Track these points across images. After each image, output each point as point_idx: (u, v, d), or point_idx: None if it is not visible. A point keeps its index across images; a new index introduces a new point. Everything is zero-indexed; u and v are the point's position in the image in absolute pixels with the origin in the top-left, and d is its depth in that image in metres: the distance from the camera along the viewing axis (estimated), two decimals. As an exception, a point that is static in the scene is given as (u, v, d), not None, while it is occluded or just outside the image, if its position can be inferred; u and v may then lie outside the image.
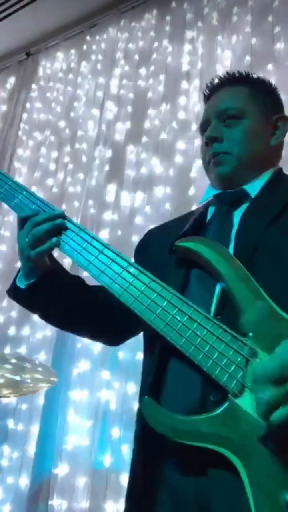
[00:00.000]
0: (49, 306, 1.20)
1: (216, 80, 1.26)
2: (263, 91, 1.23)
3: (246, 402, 0.83)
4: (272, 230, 1.01)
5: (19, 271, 1.19)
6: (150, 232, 1.34)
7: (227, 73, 1.27)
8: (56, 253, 1.21)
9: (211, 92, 1.26)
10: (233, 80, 1.24)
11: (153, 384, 0.96)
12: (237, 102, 1.18)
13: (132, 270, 1.02)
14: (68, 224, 1.14)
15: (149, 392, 0.94)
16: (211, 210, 1.17)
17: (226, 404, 0.85)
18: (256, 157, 1.15)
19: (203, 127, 1.23)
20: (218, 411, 0.85)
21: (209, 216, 1.16)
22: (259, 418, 0.81)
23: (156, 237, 1.27)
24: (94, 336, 1.34)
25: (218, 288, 0.97)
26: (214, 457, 0.83)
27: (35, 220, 1.12)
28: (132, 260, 1.27)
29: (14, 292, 1.20)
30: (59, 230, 1.13)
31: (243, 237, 1.02)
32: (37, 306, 1.23)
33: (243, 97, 1.19)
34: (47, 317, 1.28)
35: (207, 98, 1.27)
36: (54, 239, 1.11)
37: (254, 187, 1.12)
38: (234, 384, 0.85)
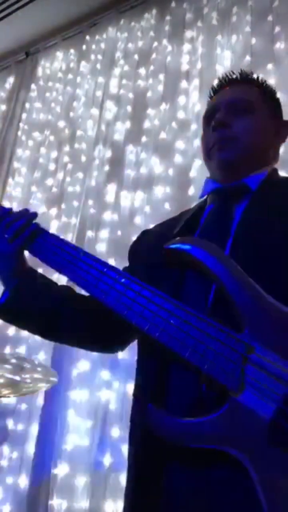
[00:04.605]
0: (35, 308, 1.16)
1: (228, 76, 1.27)
2: (271, 95, 1.26)
3: (248, 399, 0.83)
4: (273, 227, 1.00)
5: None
6: (144, 233, 1.32)
7: (241, 70, 1.28)
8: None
9: (221, 86, 1.26)
10: (245, 78, 1.26)
11: (154, 386, 0.96)
12: (249, 97, 1.19)
13: (123, 280, 1.01)
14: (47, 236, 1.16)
15: (151, 395, 0.94)
16: (208, 208, 1.16)
17: (227, 403, 0.84)
18: (260, 151, 1.16)
19: (208, 114, 1.23)
20: (221, 411, 0.84)
21: (206, 213, 1.15)
22: (263, 414, 0.81)
23: (149, 238, 1.26)
24: (88, 344, 1.29)
25: (213, 286, 0.96)
26: (214, 455, 0.83)
27: (8, 219, 1.15)
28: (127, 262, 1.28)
29: None
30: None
31: (244, 231, 1.02)
32: (22, 314, 1.17)
33: (255, 94, 1.21)
34: (34, 324, 1.21)
35: (214, 92, 1.28)
36: (33, 226, 1.15)
37: (254, 181, 1.12)
38: (233, 383, 0.85)
